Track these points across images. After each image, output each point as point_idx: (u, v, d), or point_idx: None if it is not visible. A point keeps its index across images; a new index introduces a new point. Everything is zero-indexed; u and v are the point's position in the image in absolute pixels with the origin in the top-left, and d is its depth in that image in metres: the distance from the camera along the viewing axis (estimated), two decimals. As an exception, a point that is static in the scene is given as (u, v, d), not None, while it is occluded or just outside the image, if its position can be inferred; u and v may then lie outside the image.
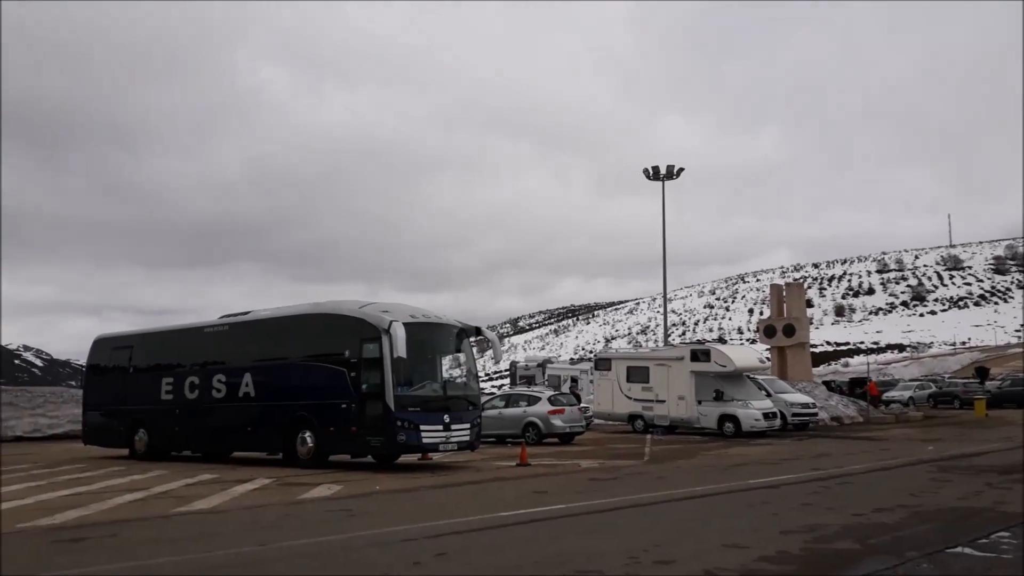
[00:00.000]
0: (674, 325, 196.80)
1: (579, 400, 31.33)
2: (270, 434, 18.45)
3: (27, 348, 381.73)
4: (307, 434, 17.55)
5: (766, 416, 27.93)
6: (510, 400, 27.16)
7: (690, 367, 29.16)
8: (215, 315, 21.45)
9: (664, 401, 29.62)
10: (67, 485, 14.52)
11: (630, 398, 30.64)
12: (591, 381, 34.33)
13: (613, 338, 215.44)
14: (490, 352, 20.38)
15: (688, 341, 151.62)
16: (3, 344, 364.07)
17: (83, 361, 26.52)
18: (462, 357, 18.23)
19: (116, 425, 21.74)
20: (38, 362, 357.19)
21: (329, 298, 19.13)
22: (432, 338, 17.77)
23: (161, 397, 20.67)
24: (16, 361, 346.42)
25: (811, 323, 59.24)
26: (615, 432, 30.80)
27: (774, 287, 46.49)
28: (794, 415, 30.70)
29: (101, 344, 23.33)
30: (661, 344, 75.80)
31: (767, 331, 42.87)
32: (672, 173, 43.70)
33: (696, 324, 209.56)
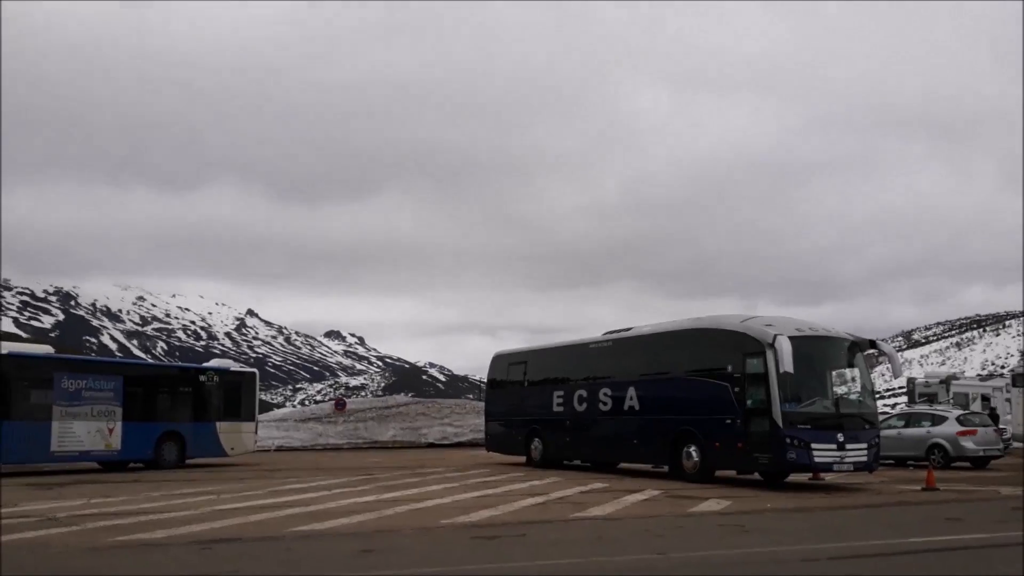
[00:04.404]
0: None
1: (996, 420, 28.01)
2: (655, 447, 18.82)
3: (432, 365, 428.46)
4: (692, 448, 17.64)
5: None
6: (911, 419, 25.02)
7: None
8: (596, 332, 22.52)
9: (1103, 422, 25.54)
10: (476, 488, 15.99)
11: (1058, 419, 26.83)
12: (1007, 400, 30.58)
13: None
14: (883, 367, 19.01)
15: None
16: (412, 362, 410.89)
17: (479, 376, 29.21)
18: (855, 372, 17.18)
19: (514, 434, 23.59)
20: (441, 377, 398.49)
21: (705, 313, 19.24)
22: (821, 352, 16.96)
23: (553, 408, 22.03)
24: (423, 376, 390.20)
25: None
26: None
27: None
28: None
29: (499, 360, 25.45)
30: (1094, 358, 65.43)
31: None
32: (1101, 159, 37.71)
33: None
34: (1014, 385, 29.59)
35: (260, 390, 26.10)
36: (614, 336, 21.53)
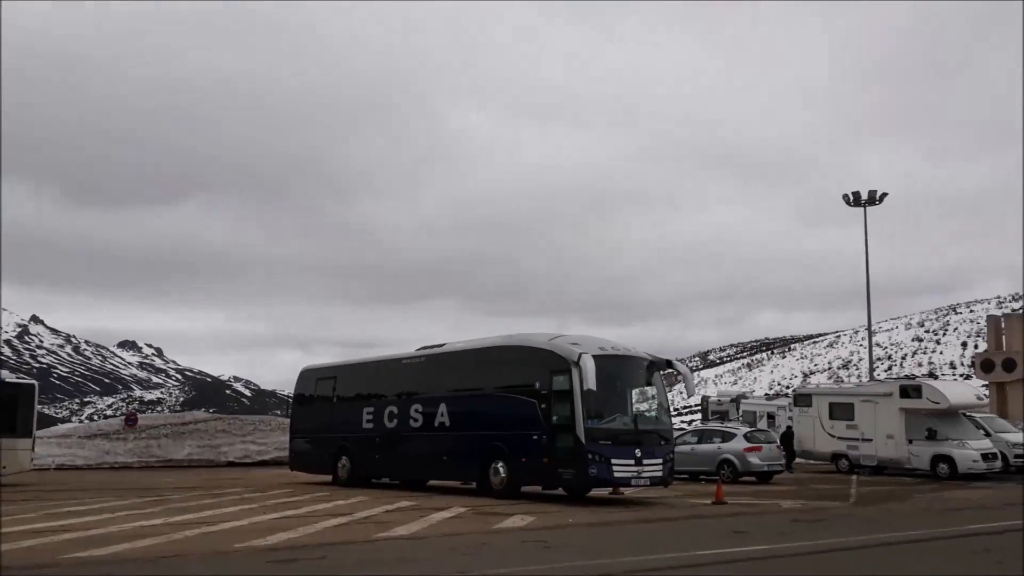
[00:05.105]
0: (879, 359, 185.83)
1: (792, 438, 30.02)
2: (465, 464, 18.85)
3: (237, 379, 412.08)
4: (500, 465, 17.76)
5: (985, 457, 25.80)
6: (703, 436, 26.42)
7: (899, 404, 27.46)
8: (415, 348, 22.19)
9: (871, 440, 27.99)
10: (277, 509, 15.37)
11: (833, 436, 29.17)
12: (789, 418, 32.94)
13: (812, 373, 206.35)
14: (681, 386, 19.94)
15: (895, 376, 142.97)
16: (215, 376, 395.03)
17: (289, 391, 28.11)
18: (653, 390, 17.89)
19: (320, 452, 22.90)
20: (247, 392, 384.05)
21: (522, 331, 19.37)
22: (622, 370, 17.56)
23: (362, 426, 21.60)
24: (227, 391, 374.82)
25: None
26: (816, 472, 29.33)
27: (992, 318, 43.05)
28: (1016, 456, 28.08)
29: (307, 375, 24.69)
30: (865, 379, 71.71)
31: (984, 366, 39.70)
32: (874, 198, 41.55)
33: (903, 358, 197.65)
34: (795, 404, 31.84)
35: (41, 403, 24.06)
36: (426, 352, 21.42)
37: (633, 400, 17.48)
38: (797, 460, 30.24)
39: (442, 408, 19.59)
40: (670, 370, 18.83)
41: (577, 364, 16.26)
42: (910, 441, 26.91)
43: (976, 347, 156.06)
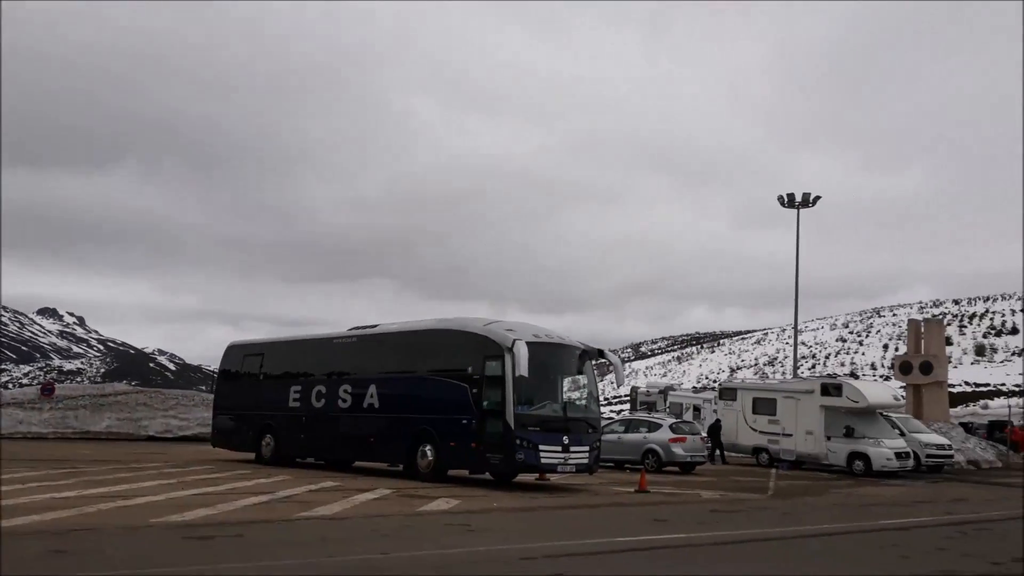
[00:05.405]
0: (804, 358, 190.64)
1: (719, 430, 30.54)
2: (392, 446, 18.73)
3: (161, 352, 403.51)
4: (428, 448, 17.71)
5: (899, 456, 26.63)
6: (630, 425, 26.73)
7: (820, 401, 28.14)
8: (348, 329, 21.93)
9: (791, 435, 28.63)
10: (196, 485, 15.09)
11: (755, 430, 29.77)
12: (715, 411, 33.55)
13: (739, 368, 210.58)
14: (611, 376, 20.07)
15: (818, 374, 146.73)
16: (139, 348, 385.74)
17: (215, 367, 27.51)
18: (583, 379, 18.03)
19: (244, 429, 22.49)
20: (171, 366, 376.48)
21: (457, 315, 19.31)
22: (554, 358, 17.63)
23: (289, 404, 21.29)
24: (151, 364, 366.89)
25: (949, 361, 56.32)
26: (738, 464, 29.92)
27: (912, 322, 44.39)
28: (928, 456, 29.17)
29: (233, 350, 24.19)
30: (789, 376, 73.50)
31: (903, 368, 40.95)
32: (808, 201, 42.43)
33: (827, 357, 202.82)
34: (721, 398, 32.42)
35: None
36: (359, 332, 21.20)
37: (564, 388, 17.58)
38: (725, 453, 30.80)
39: (372, 389, 19.42)
40: (602, 360, 18.98)
41: (511, 350, 16.27)
42: (828, 438, 27.61)
43: (896, 350, 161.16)
